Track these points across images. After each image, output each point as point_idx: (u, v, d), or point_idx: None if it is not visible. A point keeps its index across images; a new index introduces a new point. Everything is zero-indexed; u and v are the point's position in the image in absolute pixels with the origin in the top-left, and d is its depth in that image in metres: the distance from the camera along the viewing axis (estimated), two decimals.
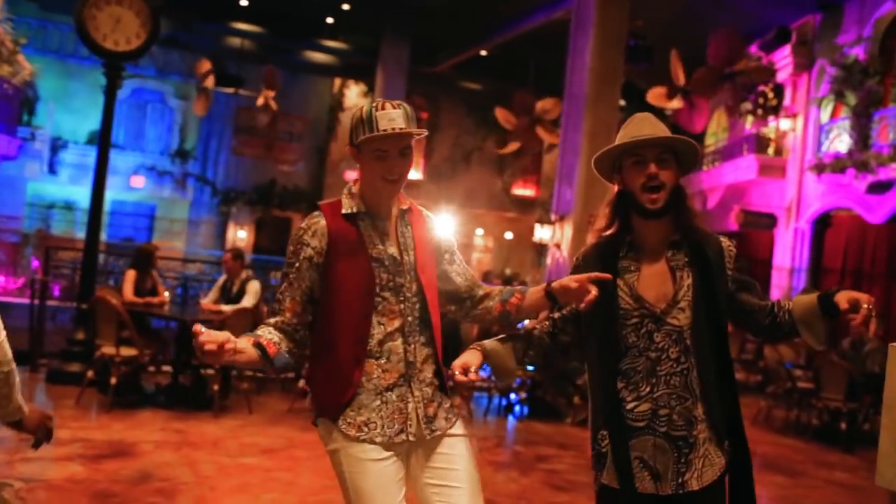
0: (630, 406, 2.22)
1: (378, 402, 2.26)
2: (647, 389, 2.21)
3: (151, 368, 7.49)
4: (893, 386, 1.66)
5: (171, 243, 21.14)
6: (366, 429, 2.24)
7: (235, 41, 19.87)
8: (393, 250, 2.32)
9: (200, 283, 11.20)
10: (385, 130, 2.22)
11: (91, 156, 21.53)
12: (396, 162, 2.27)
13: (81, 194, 21.72)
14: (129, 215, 22.02)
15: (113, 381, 6.56)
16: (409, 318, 2.31)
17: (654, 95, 12.44)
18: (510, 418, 8.43)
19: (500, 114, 16.34)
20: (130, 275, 7.44)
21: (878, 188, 11.87)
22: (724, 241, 2.35)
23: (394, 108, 2.24)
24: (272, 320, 2.31)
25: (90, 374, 6.76)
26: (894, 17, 12.57)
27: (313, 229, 2.29)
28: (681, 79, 11.95)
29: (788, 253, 14.18)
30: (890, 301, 12.30)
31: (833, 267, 13.58)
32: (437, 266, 2.46)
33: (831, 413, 8.76)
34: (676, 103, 13.09)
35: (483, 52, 19.28)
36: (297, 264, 2.29)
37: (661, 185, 2.19)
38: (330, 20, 19.69)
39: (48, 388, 7.35)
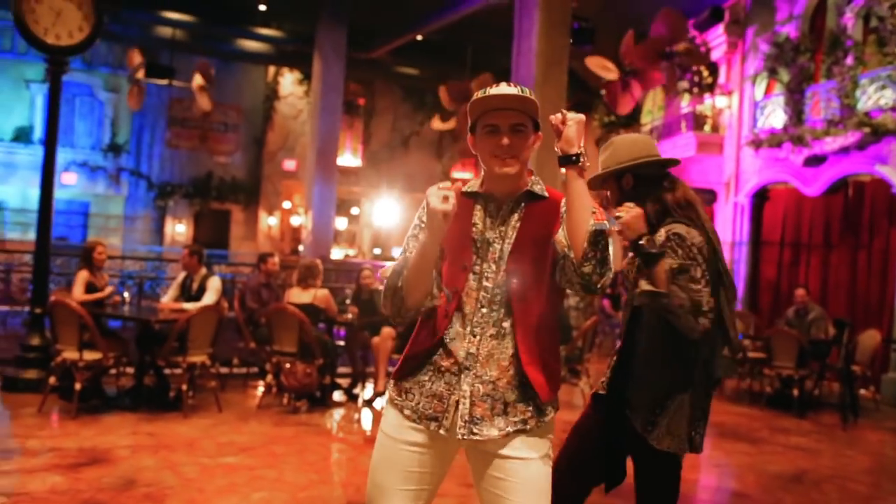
0: None
1: (427, 377, 2.20)
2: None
3: (113, 371, 7.31)
4: None
5: (107, 241, 20.61)
6: (404, 395, 2.22)
7: (166, 31, 19.39)
8: (491, 234, 2.21)
9: (157, 280, 10.95)
10: (495, 94, 2.13)
11: (18, 153, 20.94)
12: (506, 137, 2.14)
13: (8, 193, 21.02)
14: (62, 213, 21.34)
15: (77, 386, 6.39)
16: (483, 309, 2.17)
17: (594, 63, 12.64)
18: None
19: (443, 93, 16.39)
20: (82, 276, 7.23)
21: (814, 161, 12.26)
22: None
23: (509, 84, 2.17)
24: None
25: (52, 380, 6.57)
26: None
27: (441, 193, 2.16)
28: (611, 73, 12.20)
29: (729, 227, 14.57)
30: (827, 270, 12.76)
31: (772, 239, 14.00)
32: (546, 259, 2.19)
33: (783, 381, 9.09)
34: (612, 74, 13.29)
35: (419, 37, 19.21)
36: (418, 223, 2.28)
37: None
38: (263, 7, 19.37)
39: (4, 396, 7.12)
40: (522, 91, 2.14)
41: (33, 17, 7.52)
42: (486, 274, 2.19)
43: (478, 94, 2.17)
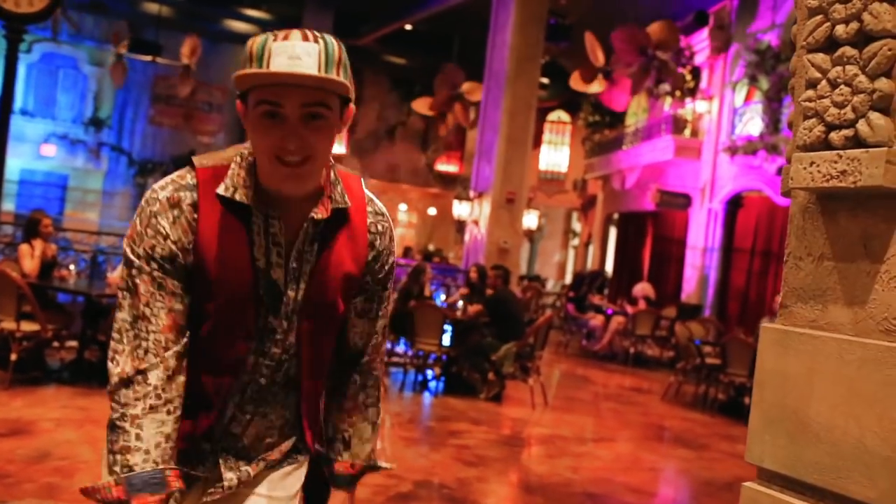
0: None
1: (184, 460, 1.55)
2: None
3: (56, 344, 7.24)
4: (763, 364, 1.70)
5: (84, 215, 20.53)
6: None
7: (153, 7, 19.27)
8: (279, 275, 1.48)
9: (113, 256, 10.86)
10: (278, 71, 1.32)
11: None
12: (296, 131, 1.35)
13: None
14: (40, 185, 21.24)
15: (13, 357, 6.32)
16: (263, 381, 1.55)
17: (575, 80, 12.60)
18: (426, 394, 8.47)
19: (421, 105, 16.32)
20: (25, 249, 7.13)
21: None
22: None
23: (305, 39, 1.34)
24: (147, 375, 1.42)
25: None
26: None
27: (174, 215, 1.43)
28: (599, 59, 12.10)
29: (702, 232, 14.56)
30: None
31: (743, 247, 14.00)
32: (343, 308, 1.60)
33: (736, 388, 9.08)
34: (597, 86, 13.27)
35: (408, 27, 19.13)
36: (154, 265, 1.42)
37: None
38: None
39: None
40: (327, 57, 1.35)
41: None
42: (273, 333, 1.52)
43: (251, 52, 1.35)
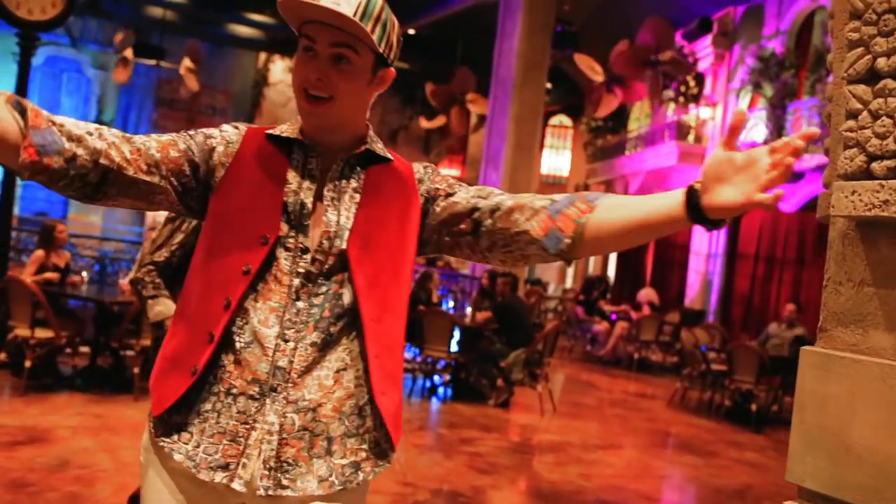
0: None
1: (208, 408, 1.48)
2: None
3: (69, 350, 7.27)
4: (804, 386, 1.75)
5: (88, 218, 20.54)
6: (175, 436, 1.50)
7: (157, 11, 19.31)
8: (308, 197, 1.53)
9: (119, 261, 10.90)
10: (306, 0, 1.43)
11: None
12: (321, 66, 1.47)
13: None
14: (43, 189, 21.16)
15: (27, 363, 6.36)
16: (299, 303, 1.50)
17: (591, 109, 12.69)
18: (434, 400, 8.50)
19: (428, 87, 16.38)
20: (38, 255, 7.16)
21: (791, 178, 12.27)
22: None
23: None
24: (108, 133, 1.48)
25: (2, 356, 6.54)
26: (810, 13, 13.00)
27: (226, 127, 1.60)
28: (599, 73, 12.21)
29: (706, 238, 14.62)
30: (799, 286, 12.81)
31: (747, 252, 14.06)
32: (408, 251, 1.61)
33: (742, 394, 9.12)
34: (598, 77, 13.34)
35: (411, 31, 19.19)
36: (198, 135, 1.57)
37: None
38: None
39: None
40: (364, 9, 1.45)
41: None
42: (304, 253, 1.52)
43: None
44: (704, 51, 15.02)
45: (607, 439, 7.53)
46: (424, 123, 18.64)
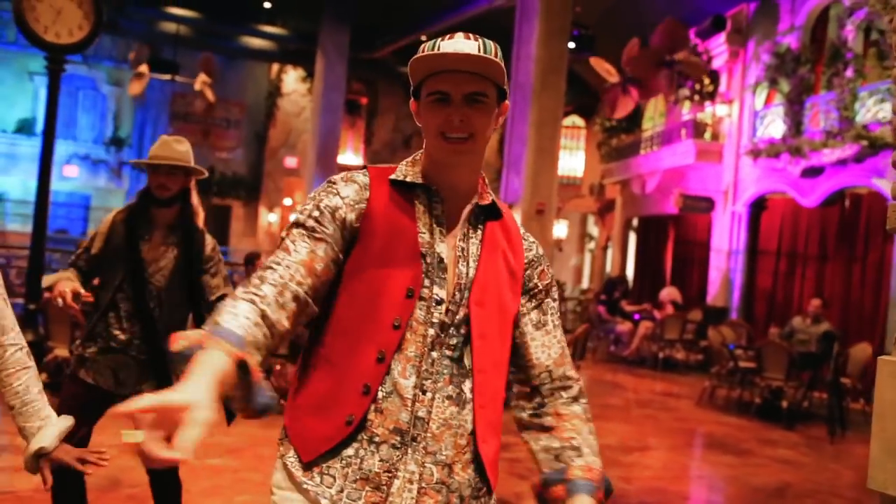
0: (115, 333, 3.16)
1: (351, 453, 1.51)
2: (129, 325, 3.16)
3: None
4: (883, 396, 1.78)
5: None
6: (319, 477, 1.52)
7: (171, 26, 19.48)
8: (443, 249, 1.58)
9: None
10: (445, 51, 1.53)
11: (21, 144, 21.01)
12: (460, 108, 1.54)
13: (10, 185, 21.09)
14: (63, 206, 21.45)
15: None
16: (434, 353, 1.54)
17: (608, 111, 12.70)
18: None
19: None
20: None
21: (811, 173, 12.30)
22: (208, 237, 3.30)
23: (467, 38, 1.56)
24: (279, 280, 1.45)
25: (43, 377, 6.62)
26: (825, 7, 12.99)
27: (349, 180, 1.60)
28: (614, 75, 12.23)
29: (726, 235, 14.60)
30: (822, 282, 12.79)
31: (769, 249, 14.04)
32: (511, 309, 1.65)
33: (773, 391, 9.13)
34: (613, 78, 13.38)
35: (423, 38, 19.26)
36: (316, 214, 1.55)
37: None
38: (268, 5, 19.45)
39: None
40: (485, 47, 1.55)
41: (34, 15, 7.55)
42: (439, 304, 1.55)
43: (423, 49, 1.57)
44: (719, 48, 15.01)
45: (641, 440, 7.56)
46: None
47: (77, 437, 3.42)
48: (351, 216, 1.55)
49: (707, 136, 15.13)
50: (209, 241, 3.35)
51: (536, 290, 1.69)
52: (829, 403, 8.73)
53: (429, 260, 1.56)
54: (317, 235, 1.52)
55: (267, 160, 23.98)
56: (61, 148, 20.99)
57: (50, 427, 2.11)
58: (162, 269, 3.20)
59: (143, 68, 17.08)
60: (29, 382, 2.10)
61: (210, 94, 17.36)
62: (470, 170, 1.61)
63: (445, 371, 1.54)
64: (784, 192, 13.38)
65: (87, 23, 7.72)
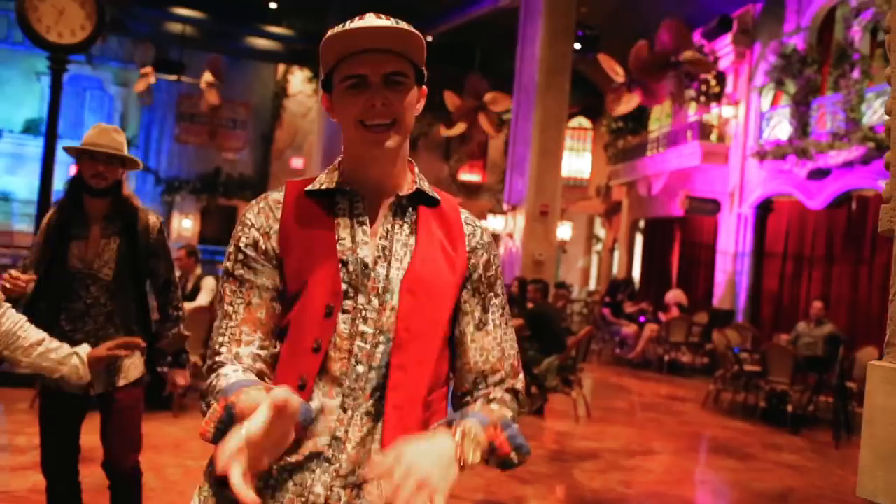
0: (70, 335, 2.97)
1: (272, 483, 1.41)
2: (82, 325, 3.08)
3: None
4: (873, 402, 1.74)
5: None
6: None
7: (177, 27, 19.51)
8: (367, 252, 1.46)
9: None
10: (360, 26, 1.42)
11: (28, 145, 21.06)
12: (380, 91, 1.42)
13: (18, 184, 21.13)
14: None
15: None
16: (359, 367, 1.42)
17: (610, 106, 12.67)
18: None
19: (448, 97, 16.43)
20: None
21: (818, 174, 12.22)
22: (152, 218, 3.25)
23: (378, 17, 1.45)
24: (229, 355, 1.42)
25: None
26: (831, 8, 12.91)
27: (259, 206, 1.51)
28: (620, 74, 12.18)
29: (732, 237, 14.53)
30: (829, 284, 12.71)
31: (775, 251, 13.96)
32: (448, 304, 1.51)
33: (777, 395, 9.06)
34: (633, 101, 13.34)
35: (429, 38, 19.25)
36: (240, 257, 1.47)
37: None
38: (273, 5, 19.45)
39: None
40: (399, 23, 1.44)
41: (36, 15, 7.57)
42: (363, 313, 1.44)
43: (334, 29, 1.44)
44: (725, 49, 14.94)
45: (644, 444, 7.51)
46: (445, 132, 18.70)
47: (67, 450, 3.41)
48: (271, 243, 1.47)
49: (713, 137, 15.07)
50: (153, 221, 3.25)
51: (480, 284, 1.55)
52: (835, 407, 8.65)
53: (351, 268, 1.44)
54: (247, 286, 1.46)
55: (273, 161, 23.98)
56: None
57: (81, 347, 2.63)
58: (108, 262, 3.14)
59: (148, 71, 17.14)
60: (33, 330, 2.57)
61: (214, 96, 17.37)
62: (395, 160, 1.49)
63: (368, 386, 1.42)
64: (790, 194, 13.30)
65: (89, 23, 7.73)
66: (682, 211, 15.38)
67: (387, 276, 1.45)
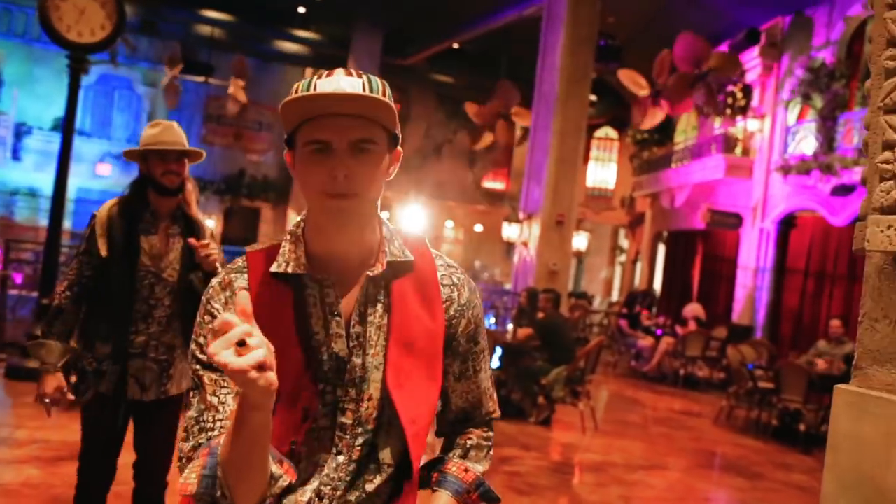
0: (131, 338, 3.02)
1: None
2: (145, 326, 3.04)
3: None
4: (837, 427, 1.68)
5: None
6: None
7: (205, 29, 19.67)
8: (341, 346, 1.38)
9: None
10: (323, 91, 1.29)
11: (56, 142, 21.22)
12: (344, 160, 1.30)
13: (45, 181, 21.39)
14: (96, 203, 21.40)
15: (73, 378, 6.46)
16: (341, 458, 1.39)
17: (637, 120, 12.58)
18: None
19: (470, 108, 16.42)
20: None
21: (842, 191, 12.03)
22: (207, 223, 3.27)
23: (349, 74, 1.34)
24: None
25: (73, 378, 6.66)
26: (862, 22, 12.72)
27: (225, 295, 1.38)
28: (644, 87, 12.09)
29: (754, 252, 14.35)
30: (850, 302, 12.50)
31: (797, 267, 13.76)
32: (436, 378, 1.47)
33: (790, 414, 8.91)
34: (643, 91, 13.24)
35: (455, 45, 19.25)
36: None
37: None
38: (301, 10, 19.54)
39: (7, 384, 7.26)
40: (371, 85, 1.33)
41: (57, 14, 7.66)
42: (341, 405, 1.39)
43: (297, 89, 1.34)
44: (752, 62, 14.78)
45: (651, 459, 7.41)
46: (473, 145, 18.73)
47: (108, 456, 3.32)
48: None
49: (738, 151, 14.90)
50: (207, 227, 3.25)
51: (459, 344, 1.51)
52: None
53: (326, 367, 1.37)
54: (218, 376, 1.34)
55: None
56: (95, 146, 21.33)
57: None
58: (172, 262, 3.08)
59: (177, 71, 17.30)
60: None
61: (242, 96, 17.50)
62: (362, 228, 1.38)
63: (348, 477, 1.39)
64: (814, 210, 13.10)
65: (109, 23, 7.81)
66: (704, 224, 15.22)
67: (363, 364, 1.38)
